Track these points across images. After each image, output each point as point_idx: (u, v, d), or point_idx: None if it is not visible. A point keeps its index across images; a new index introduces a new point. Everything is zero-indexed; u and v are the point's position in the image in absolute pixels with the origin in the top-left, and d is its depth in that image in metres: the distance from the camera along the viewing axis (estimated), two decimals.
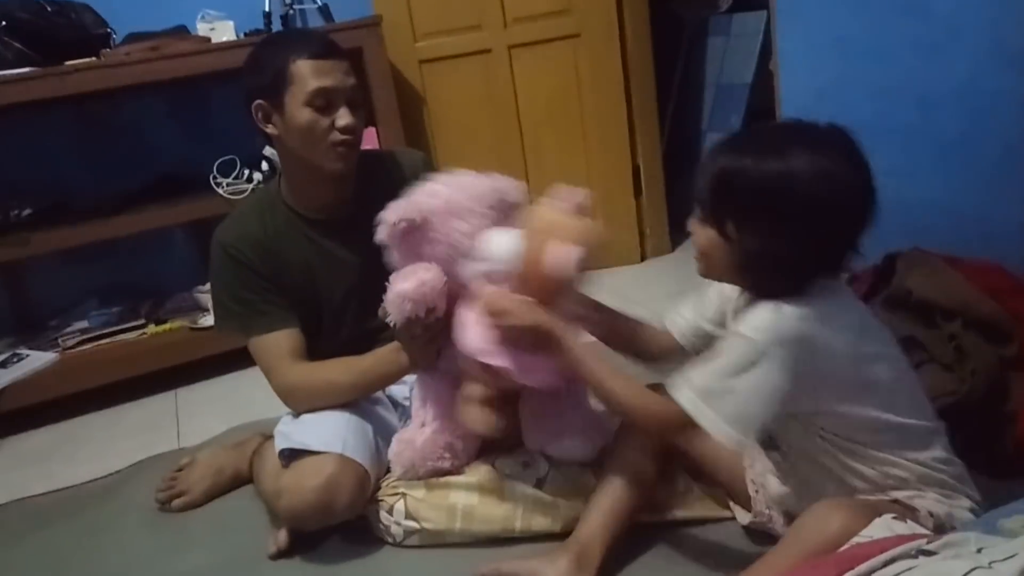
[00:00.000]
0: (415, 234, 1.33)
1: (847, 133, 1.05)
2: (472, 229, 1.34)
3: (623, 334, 1.40)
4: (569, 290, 1.27)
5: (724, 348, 1.08)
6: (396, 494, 1.50)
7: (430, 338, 1.40)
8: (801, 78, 2.12)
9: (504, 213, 1.38)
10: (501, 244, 1.32)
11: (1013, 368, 1.45)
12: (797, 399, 1.07)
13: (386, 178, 1.62)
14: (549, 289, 1.25)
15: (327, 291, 1.62)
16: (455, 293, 1.37)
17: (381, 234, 1.33)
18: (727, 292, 1.26)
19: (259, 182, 2.44)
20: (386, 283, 1.37)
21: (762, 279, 1.09)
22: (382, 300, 1.42)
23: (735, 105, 3.18)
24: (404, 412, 1.70)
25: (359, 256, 1.59)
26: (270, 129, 1.54)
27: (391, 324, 1.36)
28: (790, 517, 1.20)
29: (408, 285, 1.32)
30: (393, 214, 1.32)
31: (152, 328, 2.54)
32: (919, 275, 1.56)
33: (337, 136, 1.50)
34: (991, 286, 1.51)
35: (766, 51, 3.11)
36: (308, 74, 1.47)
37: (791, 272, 1.05)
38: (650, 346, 1.40)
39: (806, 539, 1.03)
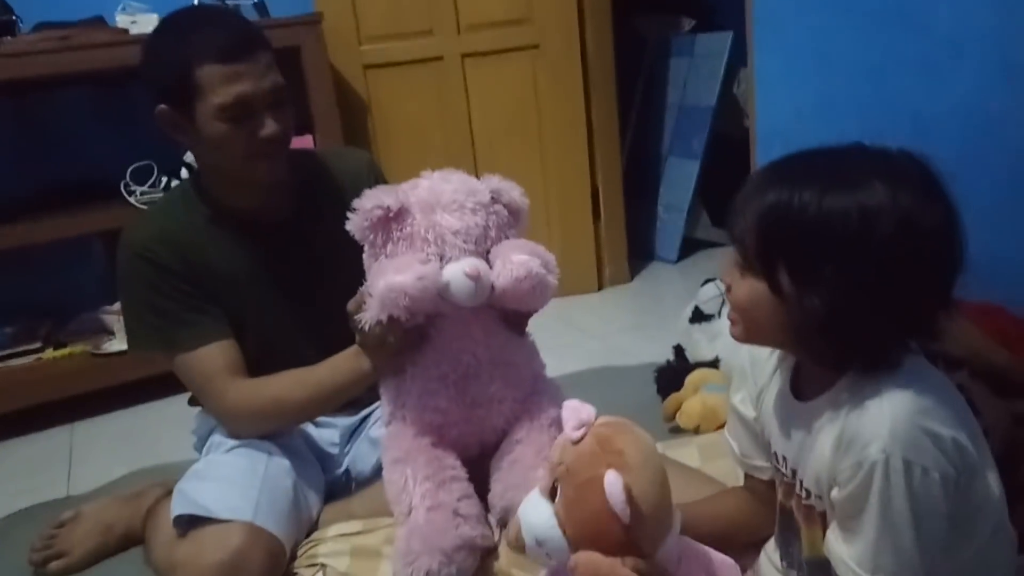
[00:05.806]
0: (389, 225, 1.13)
1: (925, 163, 0.83)
2: (461, 227, 1.12)
3: (717, 527, 1.08)
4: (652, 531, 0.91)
5: (861, 505, 0.80)
6: (314, 565, 1.26)
7: (401, 348, 1.17)
8: (779, 96, 2.00)
9: (501, 219, 1.17)
10: (539, 524, 0.94)
11: None
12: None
13: (329, 181, 1.41)
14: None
15: (258, 310, 1.37)
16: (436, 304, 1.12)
17: (351, 224, 1.14)
18: (759, 357, 1.00)
19: None
20: (332, 302, 1.19)
21: (829, 348, 0.84)
22: (327, 322, 1.24)
23: (697, 129, 3.04)
24: (332, 461, 1.46)
25: (299, 269, 1.37)
26: (179, 137, 1.31)
27: (362, 323, 1.11)
28: None
29: (405, 278, 1.07)
30: (368, 200, 1.12)
31: (50, 352, 2.28)
32: None
33: (261, 147, 1.26)
34: (999, 332, 1.35)
35: (730, 73, 2.98)
36: (219, 82, 1.21)
37: (867, 340, 0.81)
38: (742, 518, 1.11)
39: None
